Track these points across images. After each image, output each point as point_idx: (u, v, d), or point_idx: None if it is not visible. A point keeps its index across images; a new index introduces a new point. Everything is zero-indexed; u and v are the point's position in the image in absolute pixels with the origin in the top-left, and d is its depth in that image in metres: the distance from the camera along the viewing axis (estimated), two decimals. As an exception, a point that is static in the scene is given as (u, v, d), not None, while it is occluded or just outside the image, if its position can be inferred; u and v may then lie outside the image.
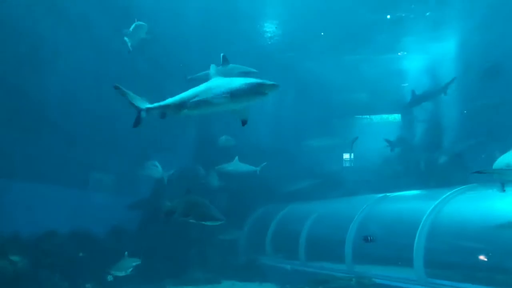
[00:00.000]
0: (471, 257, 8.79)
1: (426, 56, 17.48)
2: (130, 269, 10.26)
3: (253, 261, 14.52)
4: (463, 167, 14.33)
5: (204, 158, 15.81)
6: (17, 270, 10.49)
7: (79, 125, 14.52)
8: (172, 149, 16.03)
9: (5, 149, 12.93)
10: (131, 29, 12.02)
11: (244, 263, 14.62)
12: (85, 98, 14.12)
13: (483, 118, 14.84)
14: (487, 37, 14.58)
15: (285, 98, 16.36)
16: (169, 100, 7.78)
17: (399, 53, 17.65)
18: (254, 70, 11.75)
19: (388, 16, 15.77)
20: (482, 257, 8.65)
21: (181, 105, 7.46)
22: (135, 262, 10.46)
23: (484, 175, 7.83)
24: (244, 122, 7.35)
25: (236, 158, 14.57)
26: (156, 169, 13.07)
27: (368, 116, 20.45)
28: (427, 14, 15.38)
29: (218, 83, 7.07)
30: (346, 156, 19.61)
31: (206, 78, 7.94)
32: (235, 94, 6.65)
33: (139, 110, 8.02)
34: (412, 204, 11.77)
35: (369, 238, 9.25)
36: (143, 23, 12.00)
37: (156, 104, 7.94)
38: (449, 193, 10.14)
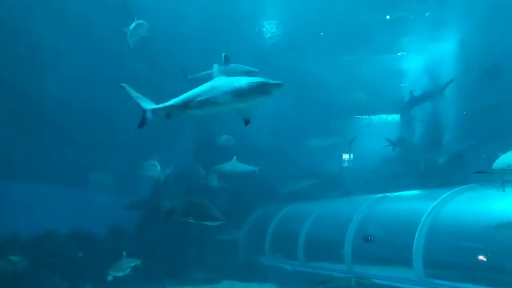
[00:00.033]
0: (470, 257, 8.80)
1: (426, 56, 17.49)
2: (128, 270, 10.25)
3: (253, 261, 14.52)
4: (462, 167, 14.35)
5: (204, 158, 15.82)
6: (16, 270, 10.48)
7: (79, 125, 14.52)
8: (172, 149, 16.03)
9: (5, 149, 12.92)
10: (131, 27, 12.02)
11: (243, 263, 14.62)
12: (84, 98, 14.12)
13: (483, 118, 14.86)
14: (486, 37, 14.59)
15: (285, 98, 16.37)
16: (174, 100, 7.74)
17: (398, 54, 17.68)
18: (255, 70, 11.77)
19: (388, 17, 15.80)
20: (481, 257, 8.65)
21: (186, 104, 7.42)
22: (133, 262, 10.45)
23: (484, 175, 7.86)
24: (246, 122, 7.32)
25: (234, 158, 14.58)
26: (155, 168, 13.07)
27: (367, 117, 20.46)
28: (427, 14, 15.41)
29: (222, 82, 7.05)
30: (345, 156, 19.64)
31: (207, 78, 7.93)
32: (239, 93, 6.65)
33: (144, 110, 8.00)
34: (412, 204, 11.78)
35: (369, 238, 9.25)
36: (144, 22, 12.00)
37: (161, 105, 7.91)
38: (448, 193, 10.15)
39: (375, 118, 20.46)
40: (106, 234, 14.29)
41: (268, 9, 15.41)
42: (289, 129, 18.45)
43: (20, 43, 12.94)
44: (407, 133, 17.44)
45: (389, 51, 17.37)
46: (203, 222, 8.73)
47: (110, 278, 10.08)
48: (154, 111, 7.96)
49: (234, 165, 14.61)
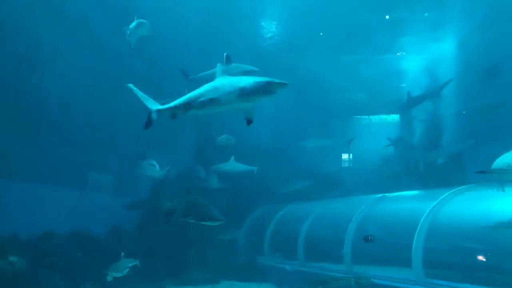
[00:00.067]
0: (470, 257, 8.81)
1: (425, 57, 17.50)
2: (126, 270, 10.21)
3: (252, 261, 14.54)
4: (462, 167, 14.36)
5: (204, 158, 15.82)
6: (15, 270, 10.48)
7: (79, 125, 14.52)
8: (172, 149, 16.04)
9: (5, 149, 12.91)
10: (132, 26, 12.00)
11: (243, 263, 14.63)
12: (84, 98, 14.13)
13: (482, 118, 14.87)
14: (486, 37, 14.59)
15: (284, 98, 16.38)
16: (179, 100, 7.70)
17: (398, 54, 17.68)
18: (256, 69, 11.79)
19: (387, 17, 15.80)
20: (480, 258, 8.66)
21: (191, 104, 7.40)
22: (131, 262, 10.42)
23: (483, 175, 7.87)
24: (249, 121, 7.28)
25: (232, 157, 14.58)
26: (153, 168, 13.06)
27: (367, 117, 20.47)
28: (426, 14, 15.42)
29: (227, 81, 7.03)
30: (345, 156, 19.64)
31: (209, 78, 7.91)
32: (245, 93, 6.64)
33: (149, 111, 7.98)
34: (411, 204, 11.79)
35: (369, 238, 9.23)
36: (145, 21, 11.98)
37: (166, 105, 7.89)
38: (447, 193, 10.16)
39: (375, 118, 20.47)
40: (106, 234, 14.30)
41: (268, 9, 15.42)
42: (288, 129, 18.46)
43: (20, 43, 12.93)
44: (406, 133, 17.45)
45: (388, 51, 17.38)
46: (203, 222, 8.72)
47: (110, 278, 10.06)
48: (159, 111, 7.93)
49: (232, 165, 14.62)
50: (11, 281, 10.20)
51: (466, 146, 14.81)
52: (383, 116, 20.15)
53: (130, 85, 8.06)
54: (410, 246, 9.48)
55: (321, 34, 16.57)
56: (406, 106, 17.02)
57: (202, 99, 7.16)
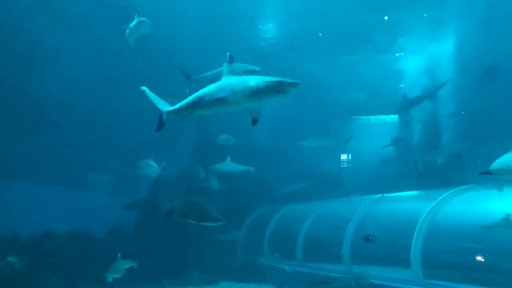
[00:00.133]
0: (469, 258, 8.84)
1: (424, 57, 17.52)
2: (123, 271, 10.17)
3: (251, 261, 14.54)
4: (461, 167, 14.38)
5: (204, 158, 15.81)
6: (15, 271, 10.47)
7: (78, 125, 14.53)
8: (171, 149, 16.03)
9: (4, 149, 12.91)
10: (132, 24, 11.98)
11: (242, 263, 14.64)
12: (84, 98, 14.14)
13: (481, 119, 14.89)
14: (485, 38, 14.63)
15: (284, 98, 16.35)
16: (187, 100, 7.54)
17: (396, 54, 17.70)
18: (258, 68, 11.78)
19: (386, 17, 15.81)
20: (479, 258, 8.69)
21: (199, 104, 7.25)
22: (129, 264, 10.39)
23: (482, 175, 7.89)
24: (255, 121, 7.16)
25: (228, 158, 14.54)
26: (151, 168, 13.04)
27: (366, 117, 20.49)
28: (425, 15, 15.44)
29: (234, 81, 6.86)
30: (344, 156, 19.66)
31: (213, 78, 7.81)
32: (254, 92, 6.50)
33: (161, 113, 7.91)
34: (410, 204, 11.82)
35: (370, 238, 9.21)
36: (146, 19, 11.95)
37: (176, 106, 7.77)
38: (446, 193, 10.19)
39: (374, 118, 20.50)
40: (106, 234, 14.29)
41: (268, 9, 15.42)
42: (288, 129, 18.46)
43: (20, 43, 12.93)
44: (405, 134, 17.48)
45: (387, 51, 17.39)
46: (203, 223, 8.71)
47: (110, 279, 10.03)
48: (169, 113, 7.86)
49: (228, 165, 14.60)
50: (10, 282, 10.20)
51: (463, 147, 14.83)
52: (382, 117, 20.17)
53: (144, 87, 8.00)
54: (409, 247, 9.51)
55: (320, 34, 16.57)
56: (403, 107, 17.05)
57: (210, 98, 7.00)
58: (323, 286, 10.13)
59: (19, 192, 13.14)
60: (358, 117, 20.66)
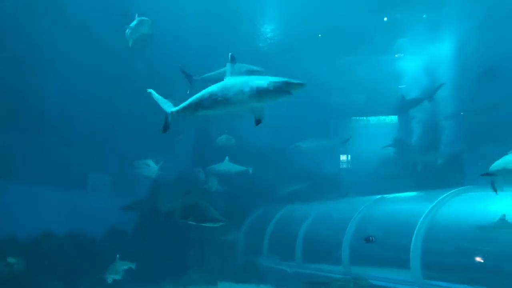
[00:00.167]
0: (468, 259, 8.86)
1: (423, 58, 17.53)
2: (122, 273, 10.13)
3: (251, 262, 14.54)
4: (460, 168, 14.40)
5: (204, 159, 15.79)
6: (14, 271, 10.46)
7: (77, 126, 14.51)
8: (171, 150, 16.01)
9: (4, 149, 12.91)
10: (133, 24, 11.96)
11: (241, 264, 14.64)
12: (83, 99, 14.12)
13: (480, 119, 14.90)
14: (484, 39, 14.64)
15: (283, 99, 16.33)
16: (190, 100, 7.48)
17: (396, 55, 17.70)
18: (260, 69, 11.76)
19: (385, 18, 15.83)
20: (478, 258, 8.70)
21: (203, 104, 7.17)
22: (127, 265, 10.37)
23: (482, 176, 7.91)
24: (258, 122, 7.15)
25: (227, 158, 14.53)
26: (148, 168, 13.02)
27: (365, 118, 20.49)
28: (424, 16, 15.45)
29: (239, 81, 6.81)
30: (343, 157, 19.65)
31: (216, 78, 7.77)
32: (260, 93, 6.48)
33: (166, 114, 7.87)
34: (409, 205, 11.83)
35: (370, 238, 9.19)
36: (147, 18, 11.92)
37: (181, 106, 7.73)
38: (445, 194, 10.20)
39: (373, 119, 20.50)
40: (105, 235, 14.28)
41: (268, 9, 15.42)
42: (287, 130, 18.44)
43: (19, 44, 12.93)
44: (404, 135, 17.49)
45: (387, 52, 17.39)
46: (203, 224, 8.71)
47: (110, 280, 10.00)
48: (173, 113, 7.83)
49: (226, 166, 14.59)
50: (9, 283, 10.19)
51: (459, 150, 14.86)
52: (382, 117, 20.18)
53: (151, 90, 7.98)
54: (408, 247, 9.52)
55: (319, 35, 16.57)
56: (400, 109, 17.07)
57: (214, 98, 6.94)
58: (322, 287, 10.13)
59: (18, 193, 13.14)
60: (357, 118, 20.65)
